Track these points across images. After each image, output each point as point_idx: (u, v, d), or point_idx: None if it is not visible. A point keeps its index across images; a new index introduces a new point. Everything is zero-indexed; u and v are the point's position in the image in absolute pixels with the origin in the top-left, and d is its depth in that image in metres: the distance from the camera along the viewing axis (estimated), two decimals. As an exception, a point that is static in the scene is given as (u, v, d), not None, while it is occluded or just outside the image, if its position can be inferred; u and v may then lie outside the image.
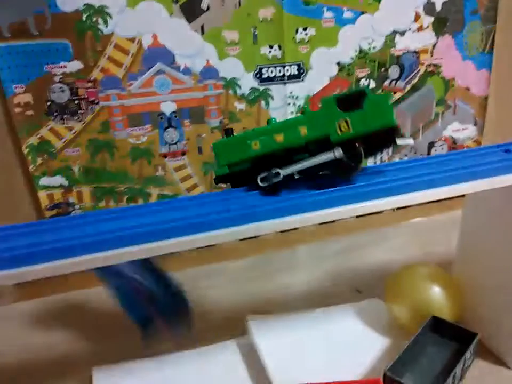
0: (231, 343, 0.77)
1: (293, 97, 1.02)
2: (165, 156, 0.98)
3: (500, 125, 1.20)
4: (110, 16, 0.85)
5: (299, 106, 1.03)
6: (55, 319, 0.90)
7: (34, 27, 0.82)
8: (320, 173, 0.60)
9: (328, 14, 0.97)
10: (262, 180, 0.58)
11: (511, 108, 1.20)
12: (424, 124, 1.15)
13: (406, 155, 1.16)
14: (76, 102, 0.89)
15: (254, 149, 0.59)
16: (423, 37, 1.07)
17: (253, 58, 0.96)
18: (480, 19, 1.09)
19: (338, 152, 0.57)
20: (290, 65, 0.99)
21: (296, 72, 1.00)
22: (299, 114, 0.61)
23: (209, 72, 0.94)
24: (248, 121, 1.00)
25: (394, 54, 1.06)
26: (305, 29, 0.97)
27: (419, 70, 1.10)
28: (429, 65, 1.10)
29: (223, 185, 0.73)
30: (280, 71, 0.99)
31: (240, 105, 0.99)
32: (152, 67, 0.91)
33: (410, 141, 0.66)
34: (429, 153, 1.18)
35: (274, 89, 1.00)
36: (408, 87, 1.10)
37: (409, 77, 1.09)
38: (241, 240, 0.79)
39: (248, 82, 0.97)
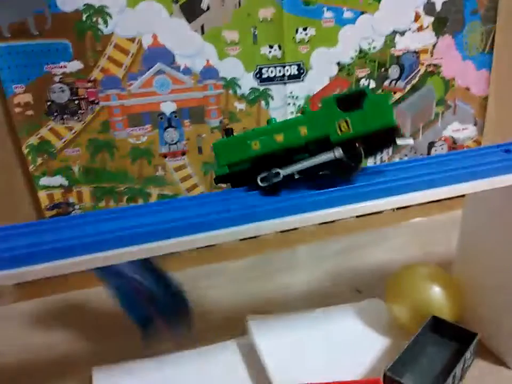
0: (231, 343, 0.77)
1: (293, 97, 1.02)
2: (165, 156, 0.98)
3: (500, 125, 1.20)
4: (110, 16, 0.85)
5: (299, 106, 1.03)
6: (55, 319, 0.90)
7: (34, 27, 0.82)
8: (320, 173, 0.60)
9: (328, 14, 0.97)
10: (262, 180, 0.58)
11: (511, 108, 1.20)
12: (424, 123, 1.15)
13: (406, 155, 1.16)
14: (76, 102, 0.89)
15: (254, 149, 0.59)
16: (423, 37, 1.07)
17: (253, 58, 0.96)
18: (480, 19, 1.09)
19: (338, 152, 0.57)
20: (290, 65, 0.99)
21: (296, 72, 1.00)
22: (299, 114, 0.61)
23: (209, 72, 0.94)
24: (248, 121, 1.00)
25: (394, 54, 1.06)
26: (305, 29, 0.97)
27: (419, 70, 1.10)
28: (429, 65, 1.10)
29: (223, 185, 0.73)
30: (280, 71, 0.99)
31: (240, 105, 0.99)
32: (152, 67, 0.91)
33: (410, 141, 0.66)
34: (429, 153, 1.18)
35: (274, 89, 1.00)
36: (408, 87, 1.10)
37: (409, 77, 1.09)
38: (241, 240, 0.79)
39: (248, 82, 0.97)
